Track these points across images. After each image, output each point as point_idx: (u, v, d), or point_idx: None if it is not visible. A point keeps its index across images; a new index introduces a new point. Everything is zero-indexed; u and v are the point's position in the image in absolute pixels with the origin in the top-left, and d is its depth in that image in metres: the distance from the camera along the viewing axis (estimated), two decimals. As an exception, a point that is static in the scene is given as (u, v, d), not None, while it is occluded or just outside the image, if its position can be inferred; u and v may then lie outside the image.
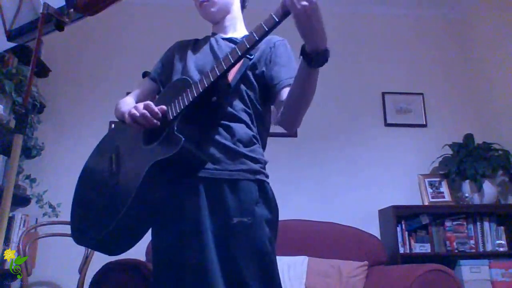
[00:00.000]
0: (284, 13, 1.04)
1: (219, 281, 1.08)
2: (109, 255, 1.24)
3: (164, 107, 1.17)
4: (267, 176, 1.25)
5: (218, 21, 1.43)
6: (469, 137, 3.17)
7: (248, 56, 1.26)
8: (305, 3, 0.98)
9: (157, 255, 1.22)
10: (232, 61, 1.12)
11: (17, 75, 2.50)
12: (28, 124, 2.61)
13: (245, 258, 1.12)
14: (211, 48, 1.36)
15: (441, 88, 3.44)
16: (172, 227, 1.18)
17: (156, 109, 1.16)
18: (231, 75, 1.23)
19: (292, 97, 1.20)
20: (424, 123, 3.32)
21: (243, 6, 1.50)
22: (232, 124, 1.23)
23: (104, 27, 3.22)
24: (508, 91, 3.14)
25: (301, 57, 1.09)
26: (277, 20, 1.05)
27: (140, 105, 1.17)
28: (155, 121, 1.15)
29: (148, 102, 1.18)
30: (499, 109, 3.23)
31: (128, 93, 3.22)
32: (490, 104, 3.32)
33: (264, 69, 1.31)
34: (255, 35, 1.08)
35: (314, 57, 1.05)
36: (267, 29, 1.06)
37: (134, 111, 1.16)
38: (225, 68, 1.13)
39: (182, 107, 1.16)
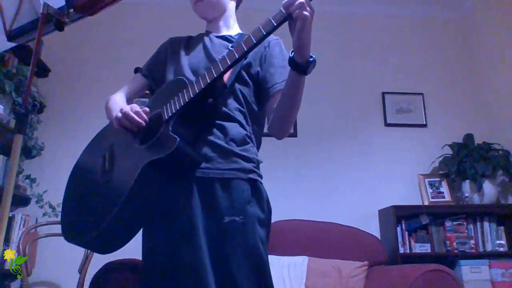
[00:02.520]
0: (284, 19, 1.07)
1: (211, 280, 1.08)
2: (101, 253, 1.23)
3: (147, 109, 1.20)
4: (260, 176, 1.25)
5: (212, 19, 1.44)
6: (469, 137, 3.17)
7: None
8: (309, 10, 1.03)
9: (149, 254, 1.22)
10: (229, 63, 1.13)
11: (17, 75, 2.50)
12: (28, 124, 2.61)
13: (237, 257, 1.12)
14: (205, 47, 1.36)
15: (441, 88, 3.44)
16: (164, 226, 1.18)
17: (142, 112, 1.18)
18: (227, 76, 1.24)
19: (283, 106, 1.22)
20: (424, 123, 3.32)
21: (237, 5, 1.50)
22: (226, 124, 1.23)
23: (104, 27, 3.22)
24: (508, 91, 3.14)
25: (290, 67, 1.12)
26: (275, 24, 1.07)
27: (126, 107, 1.20)
28: (140, 120, 1.17)
29: (134, 105, 1.20)
30: (499, 109, 3.23)
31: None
32: (490, 104, 3.32)
33: (258, 69, 1.32)
34: (253, 39, 1.09)
35: (307, 65, 1.09)
36: (264, 33, 1.08)
37: (118, 114, 1.19)
38: (222, 70, 1.14)
39: (178, 108, 1.16)
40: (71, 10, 1.23)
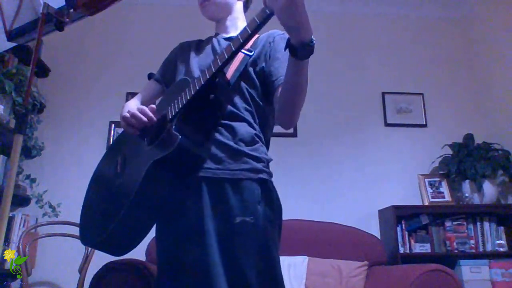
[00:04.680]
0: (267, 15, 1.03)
1: (221, 280, 1.08)
2: (113, 255, 1.25)
3: (153, 106, 1.21)
4: (270, 175, 1.25)
5: (219, 20, 1.44)
6: (469, 137, 3.17)
7: (247, 52, 1.25)
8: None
9: (161, 254, 1.23)
10: (227, 57, 1.12)
11: (17, 75, 2.50)
12: (28, 124, 2.61)
13: (248, 257, 1.12)
14: (213, 49, 1.36)
15: (441, 88, 3.44)
16: (175, 227, 1.19)
17: (146, 108, 1.19)
18: (230, 73, 1.23)
19: (284, 93, 1.18)
20: (424, 123, 3.32)
21: (246, 7, 1.50)
22: (234, 124, 1.23)
23: (104, 27, 3.22)
24: (508, 91, 3.14)
25: (287, 50, 1.06)
26: (268, 12, 1.03)
27: (133, 109, 1.21)
28: (144, 118, 1.18)
29: (141, 106, 1.21)
30: (499, 109, 3.23)
31: (128, 94, 3.22)
32: (490, 104, 3.32)
33: (263, 64, 1.30)
34: (248, 29, 1.08)
35: (299, 49, 1.02)
36: (259, 22, 1.05)
37: (126, 114, 1.20)
38: (220, 64, 1.13)
39: (180, 106, 1.17)
40: (71, 10, 1.23)
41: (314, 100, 3.06)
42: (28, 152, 2.74)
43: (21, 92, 2.46)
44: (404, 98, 3.36)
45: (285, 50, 1.06)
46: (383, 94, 3.35)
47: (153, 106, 1.21)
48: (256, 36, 1.12)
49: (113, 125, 2.98)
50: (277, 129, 1.35)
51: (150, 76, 1.49)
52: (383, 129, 3.28)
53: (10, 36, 1.38)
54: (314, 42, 1.02)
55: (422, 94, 3.37)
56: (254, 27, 1.06)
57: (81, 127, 3.01)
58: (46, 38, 1.29)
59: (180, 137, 1.10)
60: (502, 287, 2.62)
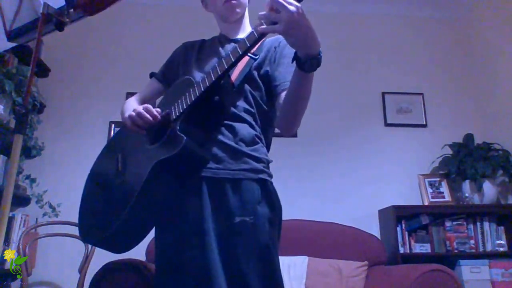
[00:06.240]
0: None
1: (221, 280, 1.08)
2: (114, 252, 1.25)
3: (158, 110, 1.21)
4: (270, 176, 1.25)
5: (235, 21, 1.41)
6: (469, 137, 3.17)
7: (253, 56, 1.26)
8: (289, 14, 0.96)
9: (160, 254, 1.23)
10: (233, 60, 1.12)
11: (17, 75, 2.50)
12: (28, 124, 2.61)
13: (247, 257, 1.12)
14: (217, 51, 1.37)
15: (441, 88, 3.44)
16: (174, 226, 1.19)
17: (153, 110, 1.19)
18: (235, 75, 1.24)
19: (287, 101, 1.20)
20: (424, 123, 3.32)
21: None
22: (235, 124, 1.24)
23: (105, 27, 3.22)
24: (508, 91, 3.14)
25: (294, 61, 1.08)
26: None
27: (138, 107, 1.21)
28: (151, 118, 1.18)
29: (146, 105, 1.22)
30: (499, 109, 3.23)
31: (128, 93, 3.22)
32: (490, 104, 3.32)
33: (268, 68, 1.31)
34: (255, 34, 1.08)
35: (305, 62, 1.04)
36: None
37: (132, 113, 1.20)
38: (226, 67, 1.13)
39: (185, 107, 1.17)
40: (71, 10, 1.23)
41: (314, 100, 3.04)
42: (28, 152, 2.74)
43: (21, 92, 2.46)
44: (404, 98, 3.36)
45: (292, 62, 1.08)
46: (383, 94, 3.35)
47: (158, 109, 1.21)
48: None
49: (113, 125, 2.98)
50: (277, 129, 1.36)
51: (152, 75, 1.49)
52: (383, 129, 3.29)
53: (10, 36, 1.38)
54: (321, 55, 1.04)
55: (422, 94, 3.37)
56: (262, 32, 1.06)
57: (81, 127, 3.01)
58: (46, 38, 1.29)
59: (185, 138, 1.10)
60: (502, 287, 2.62)
